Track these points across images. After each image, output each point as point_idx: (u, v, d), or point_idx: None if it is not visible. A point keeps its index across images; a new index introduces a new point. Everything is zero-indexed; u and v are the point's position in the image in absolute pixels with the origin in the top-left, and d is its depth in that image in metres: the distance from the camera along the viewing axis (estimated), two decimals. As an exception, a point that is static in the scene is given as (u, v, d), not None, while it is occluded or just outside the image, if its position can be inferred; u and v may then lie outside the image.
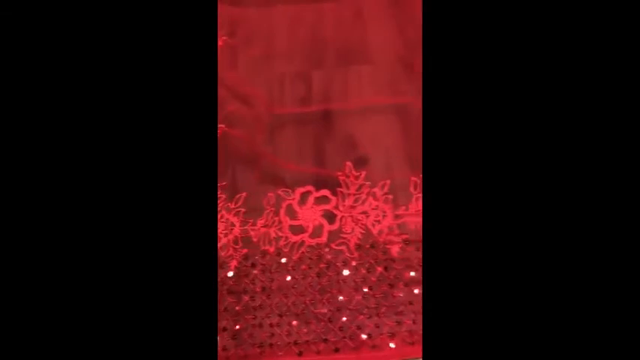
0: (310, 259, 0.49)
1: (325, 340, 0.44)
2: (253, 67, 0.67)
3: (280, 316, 0.46)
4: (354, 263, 0.48)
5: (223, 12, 0.75)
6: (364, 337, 0.44)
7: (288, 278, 0.48)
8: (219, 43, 0.70)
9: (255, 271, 0.49)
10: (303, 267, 0.48)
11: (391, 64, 0.66)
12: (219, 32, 0.71)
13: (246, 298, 0.48)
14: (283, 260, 0.49)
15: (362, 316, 0.45)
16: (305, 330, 0.44)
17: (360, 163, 0.56)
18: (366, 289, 0.47)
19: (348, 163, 0.56)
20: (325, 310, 0.45)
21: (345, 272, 0.48)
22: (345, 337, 0.44)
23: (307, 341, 0.44)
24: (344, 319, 0.45)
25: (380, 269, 0.48)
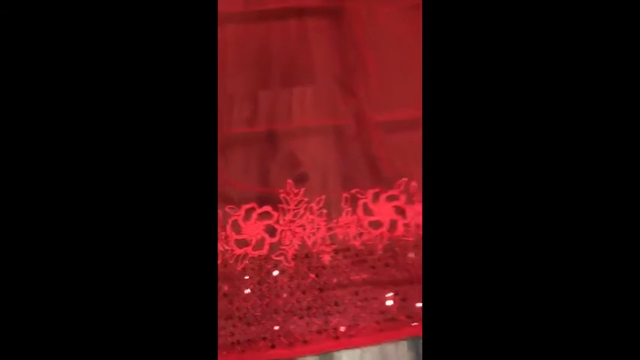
0: (252, 269, 0.57)
1: (264, 339, 0.52)
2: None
3: (225, 319, 0.54)
4: (290, 271, 0.57)
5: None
6: (297, 335, 0.53)
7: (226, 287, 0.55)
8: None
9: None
10: (246, 277, 0.56)
11: (330, 86, 0.73)
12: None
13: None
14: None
15: (295, 317, 0.53)
16: (246, 331, 0.52)
17: (300, 180, 0.63)
18: (299, 294, 0.55)
19: (289, 181, 0.63)
20: (260, 314, 0.53)
21: (283, 279, 0.56)
22: (280, 336, 0.52)
23: (248, 340, 0.52)
24: (280, 320, 0.53)
25: (312, 276, 0.56)
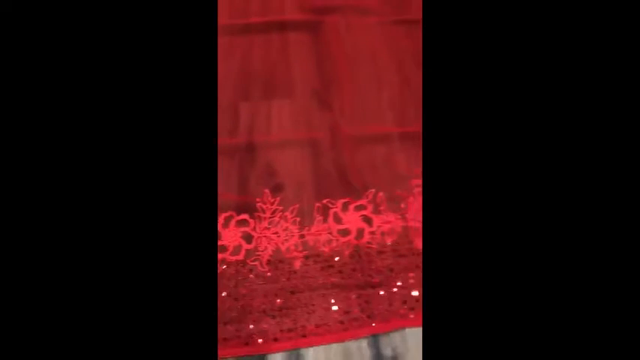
0: (230, 273, 0.62)
1: (238, 337, 0.58)
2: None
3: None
4: (265, 276, 0.62)
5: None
6: (269, 333, 0.58)
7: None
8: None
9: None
10: (224, 280, 0.61)
11: (307, 100, 0.77)
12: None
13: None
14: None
15: (267, 317, 0.59)
16: (222, 329, 0.58)
17: (276, 190, 0.68)
18: (272, 296, 0.61)
19: (266, 190, 0.68)
20: (236, 314, 0.59)
21: (258, 283, 0.61)
22: (253, 334, 0.58)
23: (224, 338, 0.58)
24: (254, 319, 0.59)
25: (285, 280, 0.62)
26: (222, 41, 0.84)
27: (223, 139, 0.73)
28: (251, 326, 0.58)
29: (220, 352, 0.56)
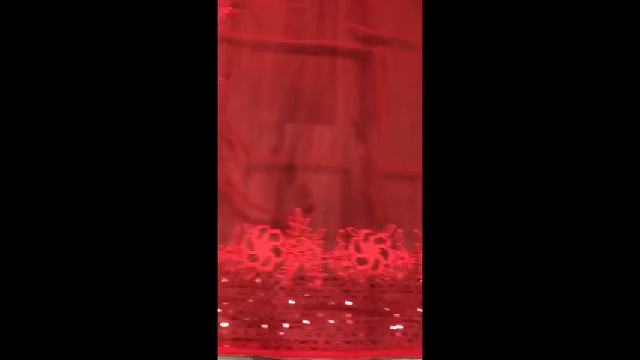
0: (258, 281, 0.70)
1: (257, 340, 0.67)
2: (240, 113, 0.84)
3: (233, 319, 0.68)
4: (288, 289, 0.70)
5: (222, 50, 0.90)
6: (282, 340, 0.67)
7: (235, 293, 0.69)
8: (219, 79, 0.86)
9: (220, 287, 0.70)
10: (252, 287, 0.69)
11: (347, 129, 0.83)
12: (219, 71, 0.86)
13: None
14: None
15: (285, 326, 0.67)
16: (246, 331, 0.67)
17: (307, 211, 0.76)
18: (292, 308, 0.69)
19: (298, 210, 0.76)
20: (258, 319, 0.67)
21: (281, 294, 0.70)
22: (269, 339, 0.67)
23: (248, 339, 0.66)
24: (272, 326, 0.67)
25: (305, 295, 0.70)
26: (276, 59, 0.90)
27: (266, 156, 0.80)
28: (270, 332, 0.67)
29: (242, 351, 0.65)
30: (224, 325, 0.67)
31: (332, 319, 0.68)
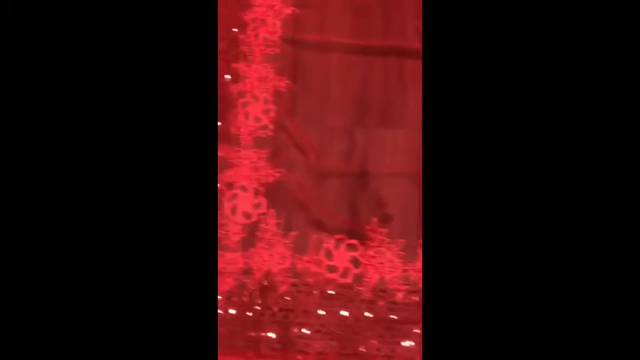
0: (339, 294, 0.68)
1: (340, 354, 0.65)
2: (309, 117, 0.82)
3: (316, 331, 0.66)
4: (368, 302, 0.68)
5: (286, 52, 0.87)
6: (361, 349, 0.65)
7: (321, 311, 0.68)
8: (283, 85, 0.84)
9: (299, 295, 0.68)
10: (332, 300, 0.68)
11: (420, 133, 0.80)
12: (283, 75, 0.84)
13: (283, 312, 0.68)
14: (315, 292, 0.69)
15: (368, 340, 0.65)
16: (320, 336, 0.65)
17: (385, 220, 0.73)
18: (373, 322, 0.67)
19: (375, 219, 0.73)
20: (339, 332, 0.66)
21: (362, 307, 0.68)
22: (349, 354, 0.65)
23: (331, 353, 0.65)
24: (357, 339, 0.65)
25: (387, 309, 0.67)
26: (342, 60, 0.87)
27: (337, 162, 0.78)
28: (351, 345, 0.65)
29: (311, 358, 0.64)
30: (304, 333, 0.65)
31: (413, 334, 0.66)
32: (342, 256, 0.71)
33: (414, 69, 0.86)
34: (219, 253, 0.71)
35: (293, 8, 0.91)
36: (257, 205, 0.74)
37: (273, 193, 0.75)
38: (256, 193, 0.75)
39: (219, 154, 0.77)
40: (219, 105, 0.82)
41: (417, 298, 0.68)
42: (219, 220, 0.72)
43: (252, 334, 0.67)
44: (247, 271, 0.70)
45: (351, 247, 0.72)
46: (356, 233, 0.72)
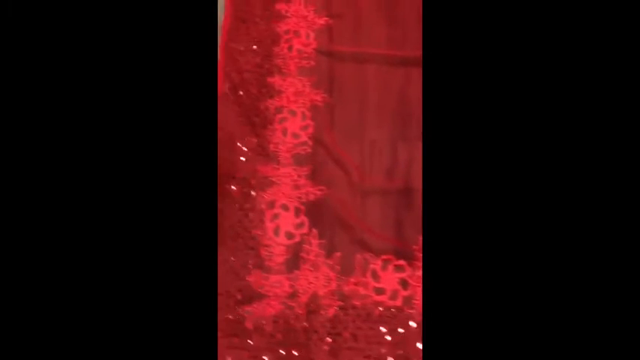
0: (388, 317, 0.66)
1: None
2: (348, 131, 0.79)
3: (365, 357, 0.64)
4: (420, 324, 0.66)
5: (322, 64, 0.85)
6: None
7: (369, 334, 0.65)
8: (319, 99, 0.82)
9: (347, 319, 0.66)
10: (381, 323, 0.65)
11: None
12: (320, 89, 0.82)
13: (333, 339, 0.66)
14: (362, 315, 0.67)
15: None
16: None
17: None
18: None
19: (421, 238, 0.71)
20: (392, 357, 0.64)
21: (415, 330, 0.65)
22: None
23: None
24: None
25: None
26: (378, 70, 0.85)
27: (380, 179, 0.76)
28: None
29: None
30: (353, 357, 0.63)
31: None
32: (389, 278, 0.69)
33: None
34: (263, 275, 0.69)
35: (326, 18, 0.89)
36: (299, 225, 0.72)
37: (314, 212, 0.73)
38: (298, 212, 0.73)
39: (260, 170, 0.75)
40: (257, 121, 0.80)
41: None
42: (263, 241, 0.71)
43: (301, 358, 0.65)
44: (293, 295, 0.68)
45: (399, 268, 0.69)
46: (403, 253, 0.70)
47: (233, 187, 0.75)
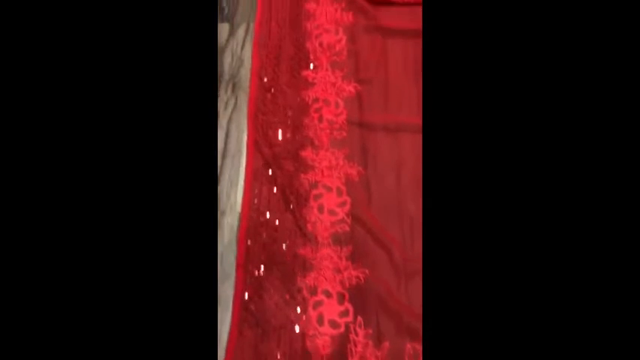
0: None
1: None
2: (386, 207, 0.77)
3: None
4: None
5: (354, 134, 0.84)
6: None
7: None
8: (354, 173, 0.80)
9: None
10: None
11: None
12: (354, 161, 0.80)
13: None
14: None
15: None
16: None
17: (481, 323, 0.68)
18: None
19: (471, 323, 0.68)
20: None
21: None
22: None
23: None
24: None
25: None
26: (413, 139, 0.82)
27: (421, 258, 0.73)
28: None
29: None
30: None
31: None
32: (442, 370, 0.66)
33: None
34: (309, 369, 0.66)
35: (355, 84, 0.88)
36: (344, 313, 0.70)
37: (358, 297, 0.70)
38: (341, 298, 0.70)
39: (299, 251, 0.73)
40: (292, 200, 0.78)
41: None
42: (308, 332, 0.68)
43: None
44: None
45: (450, 357, 0.66)
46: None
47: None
